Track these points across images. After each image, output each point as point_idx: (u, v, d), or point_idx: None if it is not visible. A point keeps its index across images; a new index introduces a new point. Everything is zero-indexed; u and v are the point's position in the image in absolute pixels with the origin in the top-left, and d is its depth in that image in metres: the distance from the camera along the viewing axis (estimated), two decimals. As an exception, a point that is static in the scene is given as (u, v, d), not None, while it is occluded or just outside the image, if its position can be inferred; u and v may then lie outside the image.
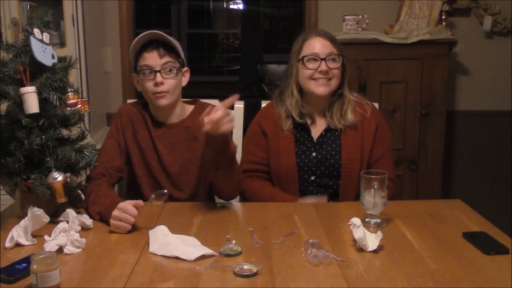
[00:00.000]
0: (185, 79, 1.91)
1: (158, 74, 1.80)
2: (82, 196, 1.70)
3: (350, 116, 1.94)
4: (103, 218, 1.59)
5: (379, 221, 1.60)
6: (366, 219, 1.60)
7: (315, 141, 1.96)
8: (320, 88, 1.91)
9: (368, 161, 1.96)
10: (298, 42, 1.98)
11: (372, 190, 1.57)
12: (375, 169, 1.96)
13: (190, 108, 1.95)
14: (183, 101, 1.96)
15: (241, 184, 1.88)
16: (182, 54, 1.89)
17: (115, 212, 1.52)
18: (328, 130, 1.97)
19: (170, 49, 1.84)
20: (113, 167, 1.82)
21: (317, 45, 1.92)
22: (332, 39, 1.94)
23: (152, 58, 1.80)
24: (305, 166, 1.94)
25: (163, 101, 1.82)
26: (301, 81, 1.96)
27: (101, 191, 1.67)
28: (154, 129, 1.89)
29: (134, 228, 1.54)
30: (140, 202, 1.54)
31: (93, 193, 1.67)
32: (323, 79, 1.91)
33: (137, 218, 1.53)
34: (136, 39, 1.82)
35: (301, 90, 1.98)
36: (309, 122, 1.99)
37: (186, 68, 1.92)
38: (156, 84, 1.80)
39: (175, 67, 1.83)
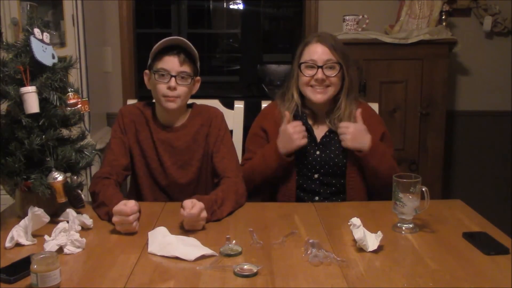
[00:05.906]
0: (195, 88, 1.94)
1: (173, 79, 1.82)
2: (82, 196, 1.71)
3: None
4: (110, 218, 1.58)
5: (411, 226, 1.56)
6: (398, 224, 1.57)
7: (318, 141, 1.96)
8: (317, 95, 1.92)
9: None
10: (300, 46, 1.98)
11: (408, 195, 1.53)
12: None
13: (188, 111, 1.97)
14: None
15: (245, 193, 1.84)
16: (198, 64, 1.92)
17: (114, 219, 1.52)
18: (331, 131, 1.97)
19: (189, 58, 1.86)
20: (120, 166, 1.85)
21: (316, 52, 1.91)
22: (333, 46, 1.92)
23: (172, 63, 1.82)
24: (308, 164, 1.94)
25: (172, 105, 1.84)
26: (300, 86, 1.96)
27: (108, 192, 1.68)
28: (156, 131, 1.91)
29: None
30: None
31: (101, 193, 1.69)
32: (320, 87, 1.91)
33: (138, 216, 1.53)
34: (160, 41, 1.83)
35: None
36: (311, 122, 1.99)
37: (198, 78, 1.94)
38: (169, 88, 1.82)
39: (191, 76, 1.86)
